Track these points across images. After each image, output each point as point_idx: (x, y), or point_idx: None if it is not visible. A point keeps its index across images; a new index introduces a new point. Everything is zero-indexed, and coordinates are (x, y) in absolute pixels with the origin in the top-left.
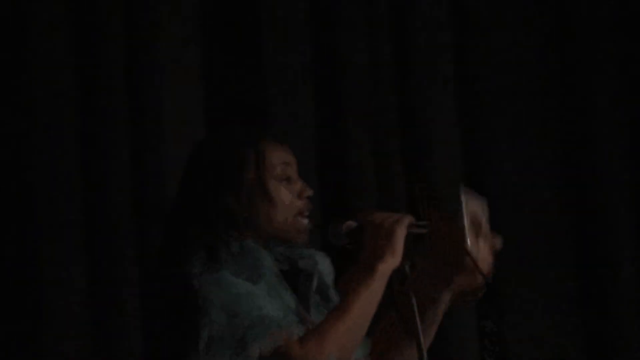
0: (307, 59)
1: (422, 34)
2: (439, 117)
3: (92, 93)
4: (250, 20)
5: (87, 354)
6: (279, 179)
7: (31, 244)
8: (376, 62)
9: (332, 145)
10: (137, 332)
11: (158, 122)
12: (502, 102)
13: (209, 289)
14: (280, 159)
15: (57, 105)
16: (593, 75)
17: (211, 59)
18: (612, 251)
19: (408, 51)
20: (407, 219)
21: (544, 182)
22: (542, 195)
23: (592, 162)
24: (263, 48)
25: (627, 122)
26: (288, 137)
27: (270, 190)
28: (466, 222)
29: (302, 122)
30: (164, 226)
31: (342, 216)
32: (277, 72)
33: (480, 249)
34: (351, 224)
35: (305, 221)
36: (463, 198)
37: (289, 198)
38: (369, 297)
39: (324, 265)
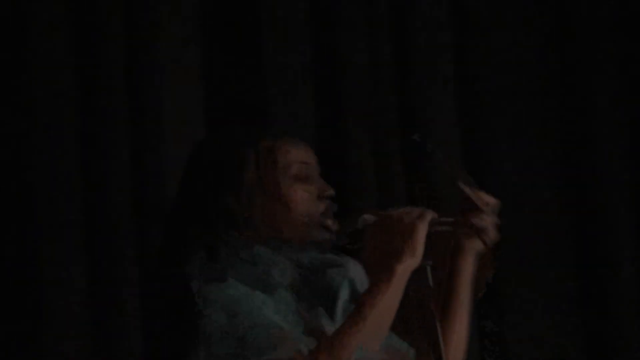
0: (307, 59)
1: (422, 34)
2: (439, 117)
3: (92, 93)
4: (250, 20)
5: (87, 354)
6: (294, 179)
7: (31, 244)
8: (376, 62)
9: (332, 145)
10: (137, 332)
11: (158, 122)
12: (502, 102)
13: (209, 289)
14: (297, 158)
15: (57, 105)
16: (593, 75)
17: (211, 59)
18: (612, 251)
19: (408, 51)
20: (430, 215)
21: (544, 182)
22: (542, 195)
23: (592, 162)
24: (263, 48)
25: (627, 122)
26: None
27: (283, 191)
28: (467, 190)
29: (302, 122)
30: (164, 226)
31: (342, 216)
32: (277, 72)
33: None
34: (370, 217)
35: (329, 221)
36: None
37: (305, 198)
38: (386, 302)
39: (356, 273)
